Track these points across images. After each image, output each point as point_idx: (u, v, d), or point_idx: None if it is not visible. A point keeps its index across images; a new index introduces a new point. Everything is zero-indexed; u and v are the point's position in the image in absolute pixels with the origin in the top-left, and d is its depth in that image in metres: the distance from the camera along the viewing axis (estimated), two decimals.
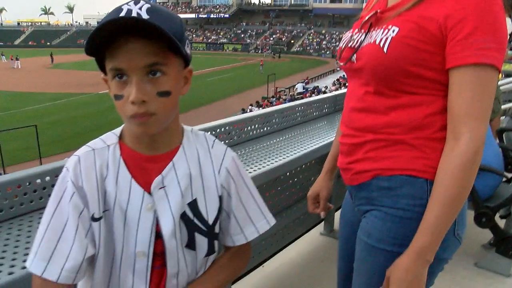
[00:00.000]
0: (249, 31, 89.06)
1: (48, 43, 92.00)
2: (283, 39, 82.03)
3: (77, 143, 1.03)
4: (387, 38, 1.23)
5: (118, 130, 1.09)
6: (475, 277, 2.82)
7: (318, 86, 30.03)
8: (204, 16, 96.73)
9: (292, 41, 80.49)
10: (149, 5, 0.94)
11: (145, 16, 0.91)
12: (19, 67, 48.26)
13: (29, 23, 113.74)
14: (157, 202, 1.04)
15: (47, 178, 1.65)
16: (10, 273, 1.21)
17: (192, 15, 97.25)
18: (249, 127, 2.65)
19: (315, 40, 78.25)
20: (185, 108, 25.95)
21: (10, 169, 14.49)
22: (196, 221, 1.08)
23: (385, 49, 1.23)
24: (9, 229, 1.49)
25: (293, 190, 3.08)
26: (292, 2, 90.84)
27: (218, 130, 2.37)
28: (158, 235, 1.05)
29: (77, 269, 0.98)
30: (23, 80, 39.23)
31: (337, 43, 72.36)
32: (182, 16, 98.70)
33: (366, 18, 1.37)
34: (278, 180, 2.86)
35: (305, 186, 3.22)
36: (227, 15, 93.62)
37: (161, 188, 1.04)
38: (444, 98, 1.21)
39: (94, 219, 1.00)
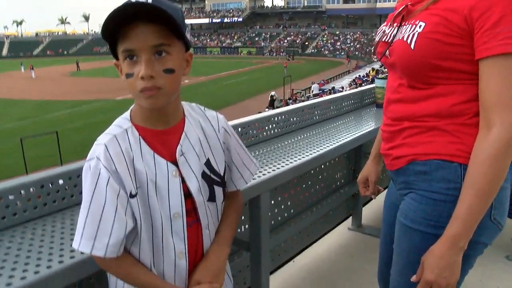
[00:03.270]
0: (263, 34, 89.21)
1: (65, 52, 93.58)
2: (297, 41, 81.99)
3: None
4: (414, 34, 1.28)
5: (127, 115, 1.22)
6: (508, 269, 2.81)
7: (334, 87, 29.92)
8: (218, 20, 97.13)
9: (307, 43, 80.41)
10: None
11: None
12: (33, 76, 48.94)
13: (47, 34, 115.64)
14: (181, 167, 1.20)
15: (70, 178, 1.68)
16: (36, 272, 1.24)
17: (206, 20, 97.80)
18: (270, 126, 2.64)
19: (329, 41, 78.06)
20: None
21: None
22: (213, 176, 1.27)
23: (412, 46, 1.27)
24: (33, 229, 1.51)
25: (320, 186, 3.11)
26: (305, 4, 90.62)
27: (239, 128, 2.37)
28: (186, 196, 1.21)
29: (120, 243, 1.12)
30: (42, 88, 39.90)
31: (352, 44, 72.19)
32: (196, 21, 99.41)
33: (398, 11, 1.41)
34: (304, 177, 2.89)
35: (331, 181, 3.25)
36: (240, 19, 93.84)
37: (181, 155, 1.20)
38: (477, 86, 1.23)
39: (131, 196, 1.14)
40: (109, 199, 1.10)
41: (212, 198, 1.27)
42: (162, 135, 1.19)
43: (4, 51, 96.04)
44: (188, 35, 1.14)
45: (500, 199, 1.28)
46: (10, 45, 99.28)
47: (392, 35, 1.40)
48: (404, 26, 1.35)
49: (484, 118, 1.20)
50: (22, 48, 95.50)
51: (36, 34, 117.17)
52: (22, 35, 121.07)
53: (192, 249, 1.25)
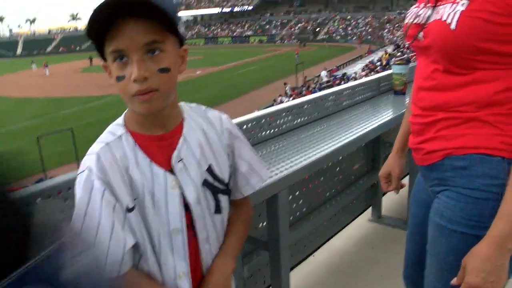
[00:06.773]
0: (274, 22, 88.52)
1: (77, 48, 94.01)
2: (308, 27, 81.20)
3: None
4: (455, 13, 1.16)
5: (120, 120, 1.10)
6: None
7: (346, 73, 29.56)
8: (227, 10, 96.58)
9: (318, 29, 79.56)
10: None
11: None
12: (47, 74, 48.91)
13: (59, 30, 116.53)
14: (178, 175, 1.08)
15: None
16: None
17: (216, 10, 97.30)
18: (282, 120, 2.52)
19: (341, 26, 77.12)
20: (215, 103, 26.05)
21: (51, 173, 14.92)
22: (216, 183, 1.15)
23: (452, 26, 1.16)
24: None
25: (338, 178, 3.04)
26: None
27: (249, 124, 2.27)
28: (186, 208, 1.09)
29: (119, 262, 1.00)
30: (55, 85, 40.27)
31: (363, 28, 71.28)
32: (206, 11, 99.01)
33: None
34: (321, 170, 2.81)
35: (350, 173, 3.18)
36: (251, 7, 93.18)
37: (179, 161, 1.08)
38: None
39: (128, 210, 1.03)
40: (105, 216, 0.99)
41: (218, 209, 1.16)
42: (159, 140, 1.08)
43: (19, 50, 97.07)
44: (181, 29, 1.02)
45: None
46: (24, 43, 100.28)
47: (426, 16, 1.28)
48: (441, 6, 1.23)
49: None
50: (36, 46, 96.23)
51: (49, 32, 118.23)
52: (35, 33, 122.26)
53: (191, 267, 1.13)
